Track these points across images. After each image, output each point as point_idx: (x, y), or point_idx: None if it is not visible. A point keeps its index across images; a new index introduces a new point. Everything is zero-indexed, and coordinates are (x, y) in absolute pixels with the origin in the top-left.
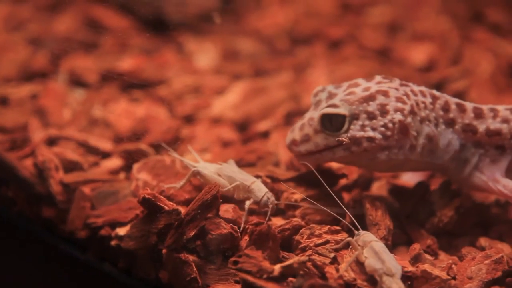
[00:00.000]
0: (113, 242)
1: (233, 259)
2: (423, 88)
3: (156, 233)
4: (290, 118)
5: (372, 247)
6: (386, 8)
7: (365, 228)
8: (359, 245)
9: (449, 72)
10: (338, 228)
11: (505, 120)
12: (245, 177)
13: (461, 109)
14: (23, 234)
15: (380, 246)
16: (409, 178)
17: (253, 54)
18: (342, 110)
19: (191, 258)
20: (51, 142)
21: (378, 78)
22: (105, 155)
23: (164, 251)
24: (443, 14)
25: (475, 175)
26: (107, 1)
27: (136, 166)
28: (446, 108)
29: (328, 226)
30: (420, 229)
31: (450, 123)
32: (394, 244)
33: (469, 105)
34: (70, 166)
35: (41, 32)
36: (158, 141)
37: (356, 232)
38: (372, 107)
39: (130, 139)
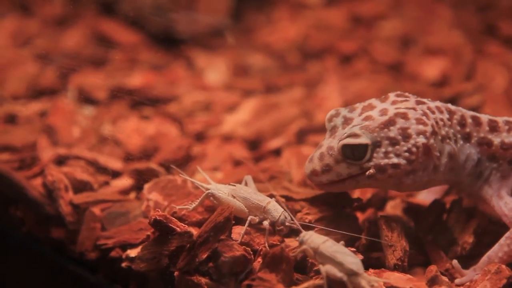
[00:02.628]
0: (124, 264)
1: (246, 282)
2: (438, 104)
3: (167, 255)
4: (302, 135)
5: (322, 253)
6: (398, 22)
7: (380, 249)
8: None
9: (463, 87)
10: (353, 249)
11: None
12: (260, 198)
13: (477, 122)
14: (32, 255)
15: (329, 247)
16: (424, 197)
17: (264, 69)
18: (364, 139)
19: (203, 280)
20: (60, 161)
21: (392, 97)
22: (115, 174)
23: (176, 273)
24: (456, 28)
25: (483, 188)
26: (116, 16)
27: (147, 186)
28: (462, 122)
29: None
30: (439, 250)
31: (467, 137)
32: (410, 265)
33: (484, 118)
34: (80, 186)
35: (50, 47)
36: (168, 162)
37: (300, 236)
38: (393, 132)
39: (140, 157)
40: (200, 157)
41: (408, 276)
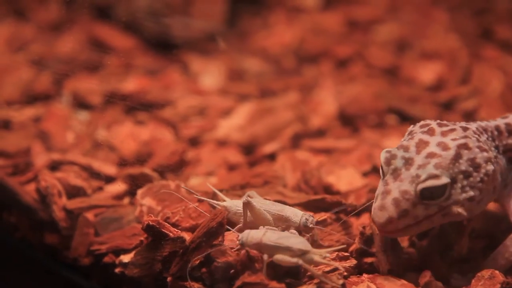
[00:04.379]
0: (117, 270)
1: None
2: (476, 126)
3: (161, 261)
4: (297, 140)
5: (266, 245)
6: (394, 26)
7: (374, 254)
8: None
9: (459, 91)
10: (346, 254)
11: None
12: (277, 208)
13: (499, 131)
14: (25, 261)
15: (270, 237)
16: None
17: (259, 74)
18: (445, 180)
19: (196, 286)
20: (54, 166)
21: (437, 128)
22: (109, 179)
23: (169, 279)
24: (452, 32)
25: (503, 191)
26: (111, 21)
27: (140, 192)
28: (493, 137)
29: (337, 253)
30: (434, 255)
31: (497, 149)
32: (404, 270)
33: (502, 125)
34: (73, 192)
35: (44, 53)
36: (163, 167)
37: (239, 240)
38: (464, 165)
39: (134, 163)
40: (194, 162)
41: (402, 281)
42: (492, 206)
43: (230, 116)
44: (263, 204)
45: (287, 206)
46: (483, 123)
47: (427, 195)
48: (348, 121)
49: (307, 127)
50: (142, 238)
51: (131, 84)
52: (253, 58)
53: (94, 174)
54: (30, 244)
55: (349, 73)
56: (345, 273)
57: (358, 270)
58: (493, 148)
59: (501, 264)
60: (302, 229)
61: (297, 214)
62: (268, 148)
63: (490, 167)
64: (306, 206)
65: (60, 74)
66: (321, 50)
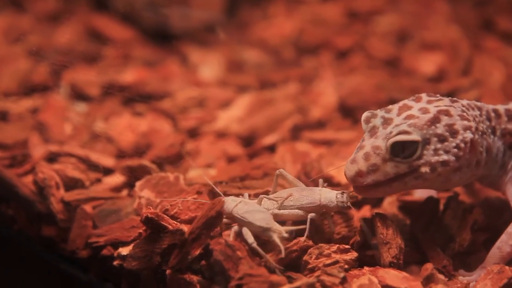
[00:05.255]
0: (115, 262)
1: (234, 283)
2: (468, 101)
3: (159, 253)
4: (297, 131)
5: (235, 217)
6: (394, 17)
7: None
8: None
9: (460, 82)
10: (347, 247)
11: None
12: (306, 193)
13: (497, 114)
14: (23, 253)
15: (240, 209)
16: (420, 194)
17: (259, 65)
18: (415, 136)
19: (195, 279)
20: (52, 158)
21: (425, 97)
22: (107, 171)
23: (168, 271)
24: (453, 23)
25: (502, 177)
26: (109, 12)
27: (138, 184)
28: (489, 117)
29: (337, 245)
30: (435, 247)
31: (493, 131)
32: (406, 262)
33: (501, 109)
34: (71, 184)
35: (42, 44)
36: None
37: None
38: (440, 129)
39: (133, 154)
40: (193, 153)
41: (404, 274)
42: (494, 199)
43: (229, 107)
44: (291, 196)
45: (315, 189)
46: (479, 103)
47: (398, 151)
48: (349, 112)
49: (307, 118)
50: (140, 231)
51: (129, 76)
52: (253, 49)
53: (92, 166)
54: (28, 237)
55: (350, 64)
56: (346, 266)
57: (359, 262)
58: (483, 125)
59: (507, 251)
60: (340, 207)
61: (331, 194)
62: (268, 139)
63: (468, 135)
64: None
65: (58, 65)
66: (321, 41)
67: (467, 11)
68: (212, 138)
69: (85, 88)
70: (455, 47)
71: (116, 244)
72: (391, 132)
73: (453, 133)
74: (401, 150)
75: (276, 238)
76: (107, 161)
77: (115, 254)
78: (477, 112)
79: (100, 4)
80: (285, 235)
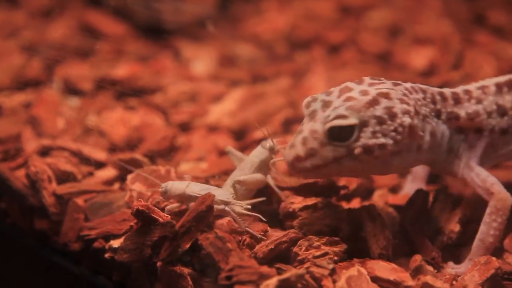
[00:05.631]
0: (107, 255)
1: (224, 275)
2: (412, 84)
3: (150, 246)
4: (288, 125)
5: (191, 196)
6: (386, 12)
7: (364, 239)
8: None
9: (451, 76)
10: (337, 239)
11: (479, 101)
12: (245, 161)
13: (443, 97)
14: (16, 246)
15: (194, 188)
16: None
17: (251, 60)
18: (352, 120)
19: (186, 271)
20: (44, 152)
21: (368, 80)
22: (99, 165)
23: (159, 264)
24: (445, 17)
25: (454, 162)
26: (102, 7)
27: (130, 177)
28: (434, 100)
29: (327, 237)
30: (425, 239)
31: (438, 114)
32: (395, 255)
33: (447, 92)
34: (63, 177)
35: (36, 39)
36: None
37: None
38: (379, 111)
39: (124, 148)
40: (185, 147)
41: (393, 265)
42: None
43: (221, 101)
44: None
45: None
46: (424, 86)
47: (335, 136)
48: None
49: (298, 112)
50: (132, 223)
51: (122, 70)
52: (245, 43)
53: (84, 159)
54: (21, 230)
55: (341, 58)
56: (335, 258)
57: (348, 254)
58: (426, 109)
59: (490, 242)
60: (274, 153)
61: (262, 152)
62: (259, 133)
63: (407, 119)
64: (297, 190)
65: (51, 60)
66: (313, 35)
67: (459, 5)
68: (204, 132)
69: (78, 83)
70: (446, 42)
71: (108, 237)
72: (328, 116)
73: (392, 116)
74: (338, 133)
75: (240, 209)
76: (99, 154)
77: (107, 247)
78: (421, 95)
79: None
80: (248, 206)
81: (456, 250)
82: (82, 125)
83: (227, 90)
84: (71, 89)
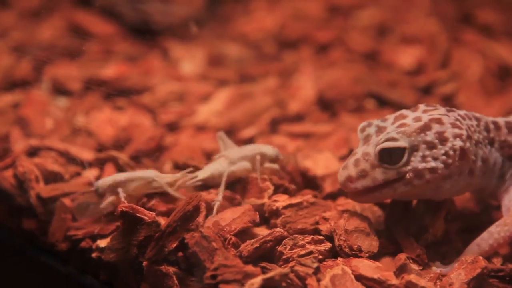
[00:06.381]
0: (94, 254)
1: (209, 274)
2: (466, 112)
3: (136, 245)
4: (275, 125)
5: (121, 181)
6: (374, 11)
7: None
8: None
9: (438, 75)
10: (321, 237)
11: None
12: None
13: (497, 126)
14: (3, 246)
15: (122, 174)
16: None
17: (240, 59)
18: (403, 143)
19: (172, 270)
20: (32, 152)
21: (422, 107)
22: (87, 165)
23: (145, 263)
24: (432, 16)
25: (499, 187)
26: (92, 8)
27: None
28: (487, 128)
29: (312, 236)
30: (409, 238)
31: (492, 142)
32: (379, 253)
33: (501, 121)
34: (51, 177)
35: (24, 39)
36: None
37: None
38: (430, 136)
39: (112, 148)
40: (172, 147)
41: (377, 264)
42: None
43: (209, 101)
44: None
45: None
46: (478, 114)
47: (386, 158)
48: (327, 105)
49: (285, 112)
50: (118, 223)
51: (110, 70)
52: (234, 43)
53: (71, 159)
54: (8, 230)
55: (329, 58)
56: (320, 257)
57: (333, 253)
58: (479, 135)
59: (485, 250)
60: (276, 160)
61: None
62: (247, 132)
63: (458, 142)
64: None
65: (40, 60)
66: (302, 35)
67: (447, 4)
68: (192, 131)
69: (66, 83)
70: (433, 41)
71: (95, 237)
72: (380, 139)
73: (443, 140)
74: (389, 156)
75: (170, 179)
76: (87, 154)
77: (94, 247)
78: (474, 123)
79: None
80: (178, 175)
81: (440, 247)
82: (70, 125)
83: (215, 90)
84: (59, 90)
